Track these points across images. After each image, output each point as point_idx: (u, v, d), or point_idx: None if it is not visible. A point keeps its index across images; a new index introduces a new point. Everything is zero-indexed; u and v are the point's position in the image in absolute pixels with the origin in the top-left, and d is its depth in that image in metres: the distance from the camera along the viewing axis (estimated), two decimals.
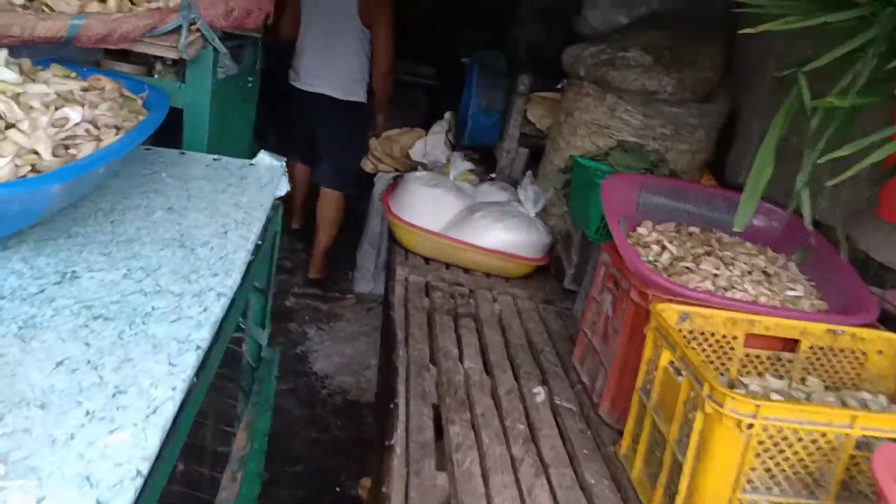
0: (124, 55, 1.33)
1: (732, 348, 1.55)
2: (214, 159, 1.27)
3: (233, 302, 0.92)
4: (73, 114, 0.90)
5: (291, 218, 4.10)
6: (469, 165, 2.80)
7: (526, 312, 2.26)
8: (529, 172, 2.84)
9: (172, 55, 1.28)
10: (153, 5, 1.28)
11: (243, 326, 1.42)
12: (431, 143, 3.41)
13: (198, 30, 1.28)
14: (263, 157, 1.29)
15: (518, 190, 2.54)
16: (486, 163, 3.45)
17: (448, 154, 3.39)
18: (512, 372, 1.84)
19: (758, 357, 1.57)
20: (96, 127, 0.93)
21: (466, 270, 2.47)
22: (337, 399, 2.80)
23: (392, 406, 1.47)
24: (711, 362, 1.56)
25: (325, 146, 3.67)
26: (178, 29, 1.26)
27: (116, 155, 0.90)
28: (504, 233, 2.41)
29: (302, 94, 3.54)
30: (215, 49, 1.35)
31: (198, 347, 0.75)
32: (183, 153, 1.26)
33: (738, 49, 2.66)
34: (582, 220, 2.30)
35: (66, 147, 0.89)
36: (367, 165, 3.59)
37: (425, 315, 2.05)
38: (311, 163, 3.83)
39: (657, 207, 2.06)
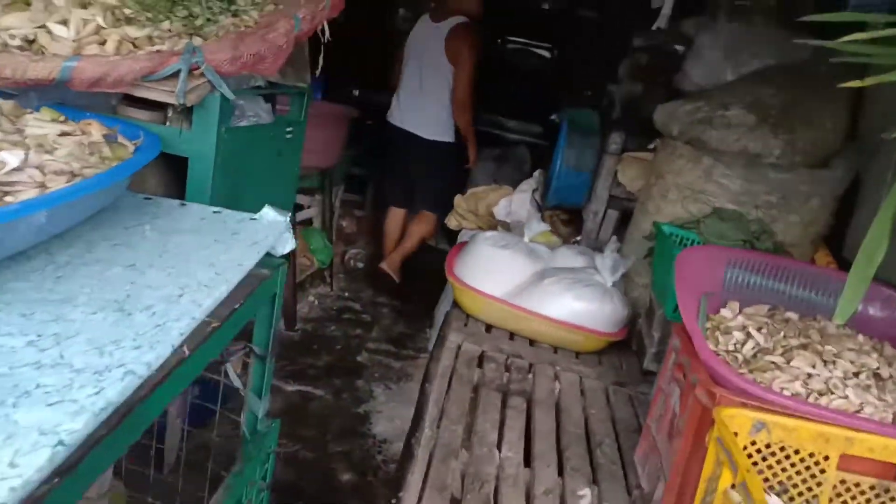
0: (144, 100, 1.28)
1: (823, 471, 1.24)
2: (214, 212, 1.18)
3: (176, 376, 0.79)
4: (12, 158, 0.83)
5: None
6: (545, 227, 2.60)
7: (591, 394, 2.00)
8: (615, 237, 2.59)
9: (170, 100, 1.22)
10: (156, 48, 1.23)
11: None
12: (517, 202, 3.25)
13: (202, 75, 1.22)
14: (267, 212, 1.18)
15: (596, 257, 2.30)
16: (575, 224, 3.24)
17: (534, 214, 3.21)
18: (557, 466, 1.59)
19: (857, 486, 1.24)
20: (43, 173, 0.85)
21: (532, 342, 2.25)
22: (391, 467, 2.62)
23: (394, 502, 1.28)
24: (795, 486, 1.25)
25: (420, 184, 3.89)
26: (178, 73, 1.19)
27: (52, 204, 0.81)
28: (574, 302, 2.18)
29: (395, 131, 3.78)
30: (224, 96, 1.28)
31: (59, 443, 0.62)
32: (183, 204, 1.18)
33: (866, 107, 2.32)
34: (661, 294, 2.03)
35: (5, 193, 0.81)
36: (452, 222, 3.48)
37: (470, 390, 1.85)
38: (407, 205, 4.00)
39: (750, 287, 1.77)
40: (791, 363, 1.43)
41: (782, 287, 1.76)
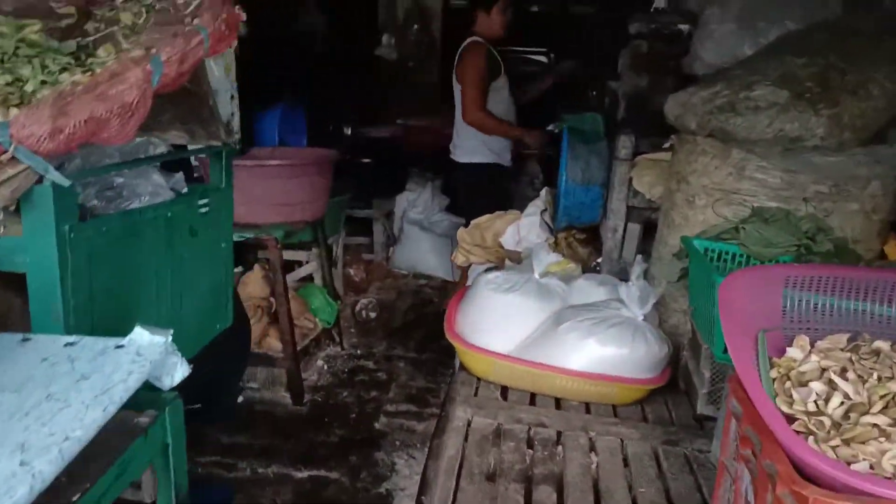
0: None
1: None
2: (67, 344, 0.85)
3: None
4: None
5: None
6: (555, 258, 2.23)
7: (637, 464, 1.61)
8: (640, 258, 2.21)
9: None
10: None
11: None
12: (526, 228, 2.88)
13: (13, 158, 0.90)
14: (140, 335, 0.85)
15: (620, 288, 1.92)
16: (594, 243, 2.86)
17: (546, 239, 2.84)
18: None
19: None
20: None
21: (558, 402, 1.87)
22: None
23: None
24: None
25: (459, 204, 4.09)
26: None
27: None
28: (599, 348, 1.80)
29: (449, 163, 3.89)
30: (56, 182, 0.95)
31: None
32: (27, 339, 0.86)
33: None
34: (705, 329, 1.64)
35: None
36: (459, 259, 3.13)
37: (483, 483, 1.48)
38: None
39: (818, 311, 1.37)
40: None
41: (861, 306, 1.36)
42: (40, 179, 0.96)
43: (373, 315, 4.01)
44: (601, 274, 2.32)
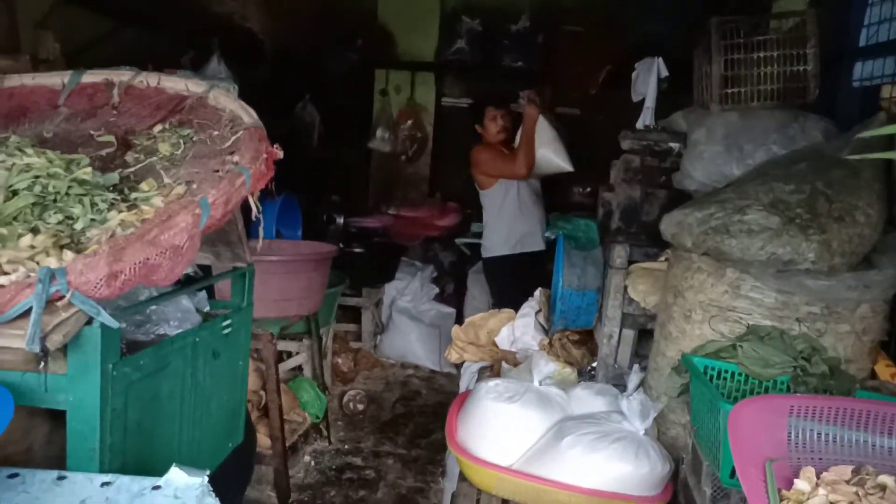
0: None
1: None
2: (103, 484, 0.85)
3: None
4: None
5: None
6: (554, 367, 2.26)
7: None
8: (636, 367, 2.25)
9: (21, 346, 0.91)
10: (3, 280, 0.93)
11: None
12: (520, 328, 2.93)
13: (70, 303, 0.93)
14: (177, 475, 0.86)
15: (620, 400, 1.95)
16: (587, 345, 2.90)
17: (541, 340, 2.88)
18: None
19: None
20: None
21: None
22: None
23: None
24: None
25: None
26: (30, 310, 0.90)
27: None
28: (604, 464, 1.80)
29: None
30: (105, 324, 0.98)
31: None
32: (62, 477, 0.86)
33: None
34: (710, 453, 1.67)
35: None
36: (452, 356, 3.14)
37: None
38: None
39: (821, 440, 1.41)
40: None
41: (863, 437, 1.41)
42: (90, 321, 0.99)
43: (360, 407, 3.96)
44: (598, 382, 2.35)
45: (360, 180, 5.54)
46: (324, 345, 3.93)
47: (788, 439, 1.40)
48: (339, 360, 4.37)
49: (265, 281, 2.87)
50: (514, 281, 3.87)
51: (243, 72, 3.89)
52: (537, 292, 3.03)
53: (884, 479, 1.30)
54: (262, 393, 3.09)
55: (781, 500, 1.27)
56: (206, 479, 0.86)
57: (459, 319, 4.39)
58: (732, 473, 1.54)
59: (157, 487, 0.86)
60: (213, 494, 0.87)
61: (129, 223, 1.03)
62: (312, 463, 3.34)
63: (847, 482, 1.32)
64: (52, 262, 0.95)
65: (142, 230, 1.01)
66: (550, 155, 3.81)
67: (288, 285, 2.91)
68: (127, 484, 0.86)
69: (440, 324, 4.76)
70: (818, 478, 1.33)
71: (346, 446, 3.56)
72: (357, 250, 4.59)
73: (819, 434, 1.40)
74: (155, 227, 1.01)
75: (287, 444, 3.04)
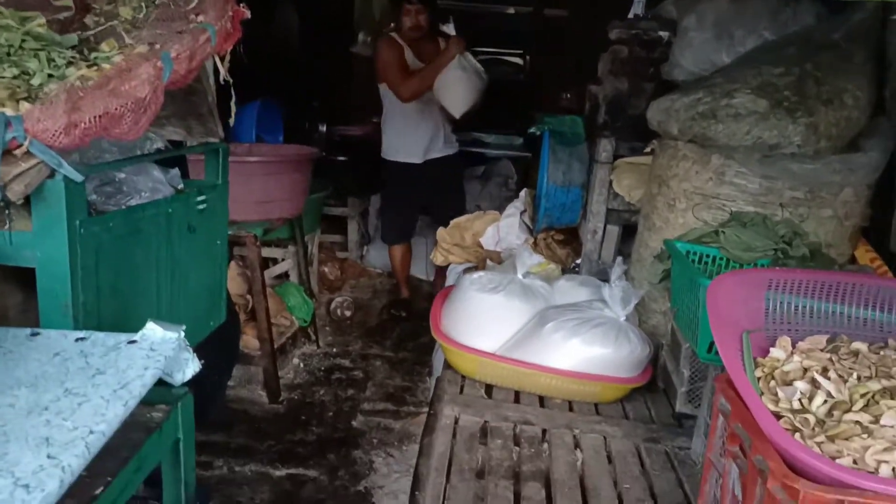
0: None
1: None
2: (78, 339, 0.84)
3: None
4: None
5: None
6: (538, 259, 2.27)
7: (621, 460, 1.65)
8: (620, 260, 2.25)
9: None
10: None
11: None
12: (505, 228, 2.92)
13: (28, 153, 0.89)
14: (152, 331, 0.85)
15: (602, 289, 1.96)
16: (572, 244, 2.90)
17: (525, 239, 2.88)
18: None
19: None
20: None
21: (542, 401, 1.90)
22: None
23: None
24: None
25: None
26: None
27: None
28: (584, 348, 1.84)
29: None
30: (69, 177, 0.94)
31: None
32: (35, 333, 0.85)
33: (892, 74, 1.99)
34: (689, 331, 1.69)
35: None
36: (437, 258, 3.14)
37: (473, 480, 1.51)
38: None
39: (798, 312, 1.42)
40: (881, 421, 1.09)
41: (839, 308, 1.42)
42: (52, 174, 0.95)
43: (348, 313, 4.00)
44: (582, 275, 2.36)
45: (343, 87, 5.39)
46: (310, 253, 3.92)
47: (766, 312, 1.41)
48: (326, 269, 4.37)
49: (246, 183, 2.83)
50: (392, 190, 3.92)
51: None
52: (522, 192, 3.01)
53: (857, 345, 1.32)
54: (249, 297, 3.10)
55: (756, 367, 1.29)
56: (183, 333, 0.86)
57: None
58: (710, 348, 1.57)
59: (132, 342, 0.85)
60: (189, 348, 0.86)
61: (89, 78, 0.99)
62: (301, 365, 3.40)
63: (822, 350, 1.34)
64: (8, 112, 0.90)
65: (101, 80, 0.96)
66: (446, 93, 3.56)
67: (269, 187, 2.86)
68: (102, 339, 0.86)
69: (427, 233, 4.74)
70: (794, 347, 1.35)
71: (335, 349, 3.61)
72: (341, 158, 4.52)
73: (796, 307, 1.41)
74: (115, 78, 0.96)
75: (276, 346, 3.08)
